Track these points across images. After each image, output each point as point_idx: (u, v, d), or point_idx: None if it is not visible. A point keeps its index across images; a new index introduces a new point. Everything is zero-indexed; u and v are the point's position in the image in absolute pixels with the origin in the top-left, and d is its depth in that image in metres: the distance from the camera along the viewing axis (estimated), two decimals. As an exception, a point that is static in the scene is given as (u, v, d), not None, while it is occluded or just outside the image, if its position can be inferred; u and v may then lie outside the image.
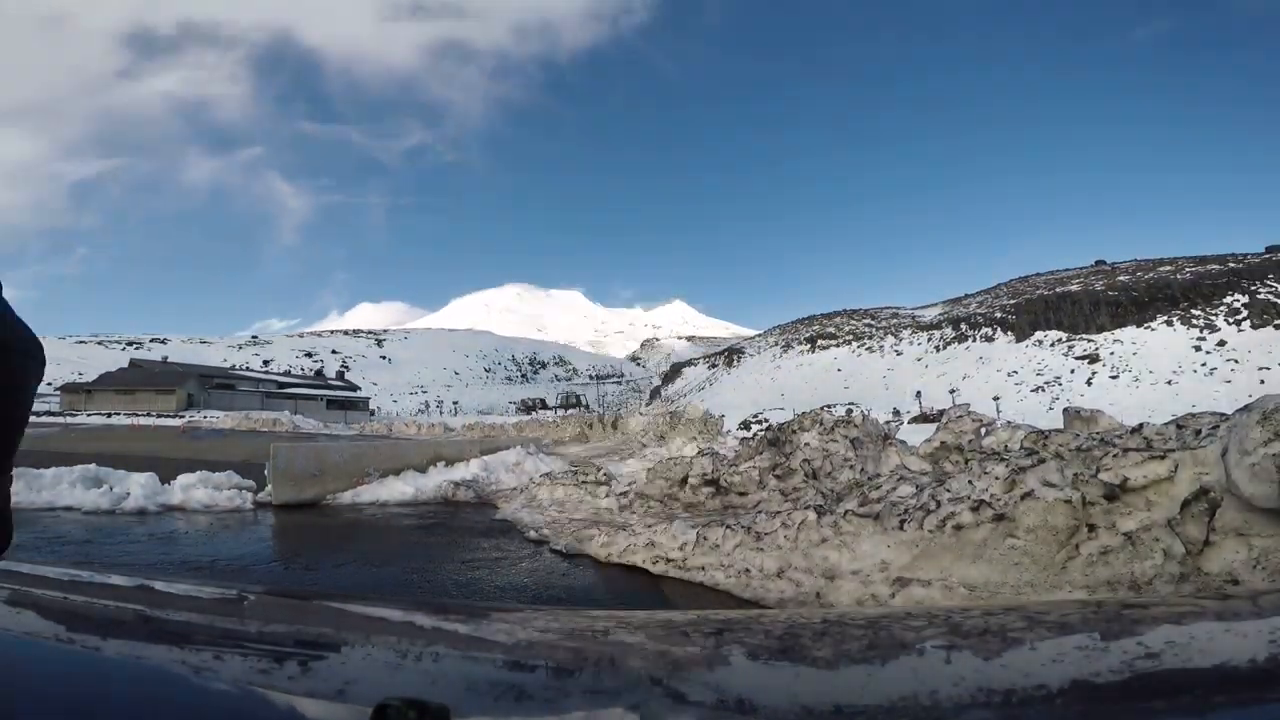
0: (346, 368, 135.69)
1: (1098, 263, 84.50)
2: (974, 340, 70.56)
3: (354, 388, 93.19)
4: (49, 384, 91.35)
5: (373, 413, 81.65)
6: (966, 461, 4.83)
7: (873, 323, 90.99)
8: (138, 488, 7.90)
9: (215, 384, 68.62)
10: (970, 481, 3.80)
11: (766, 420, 29.72)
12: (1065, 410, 8.88)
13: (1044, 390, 52.73)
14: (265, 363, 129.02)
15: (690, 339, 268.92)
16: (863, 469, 6.99)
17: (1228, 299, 55.72)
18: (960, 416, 8.11)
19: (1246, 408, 2.90)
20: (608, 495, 7.52)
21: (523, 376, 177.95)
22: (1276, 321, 49.85)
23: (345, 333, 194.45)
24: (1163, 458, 3.13)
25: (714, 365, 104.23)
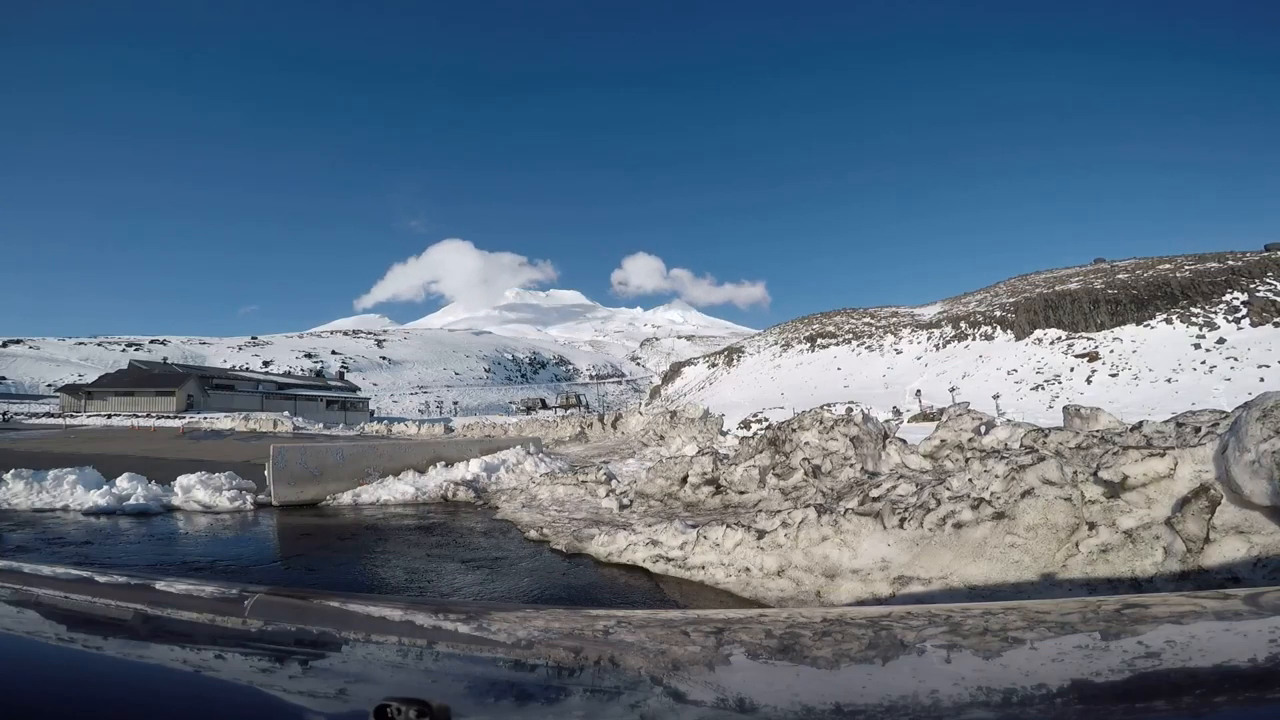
0: (346, 368, 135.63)
1: (1097, 260, 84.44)
2: (973, 339, 70.48)
3: (354, 388, 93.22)
4: (50, 385, 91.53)
5: (373, 413, 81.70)
6: (966, 460, 4.83)
7: (872, 321, 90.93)
8: (138, 489, 7.90)
9: (215, 385, 68.65)
10: (970, 479, 3.81)
11: (766, 419, 29.70)
12: (1065, 408, 8.89)
13: (1044, 388, 52.69)
14: (265, 363, 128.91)
15: (690, 339, 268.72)
16: (863, 467, 6.99)
17: (1227, 297, 55.66)
18: (960, 415, 8.10)
19: (1246, 405, 2.89)
20: (608, 495, 7.52)
21: (523, 376, 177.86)
22: (1276, 319, 49.81)
23: (345, 333, 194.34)
24: (1162, 455, 3.12)
25: (714, 365, 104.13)
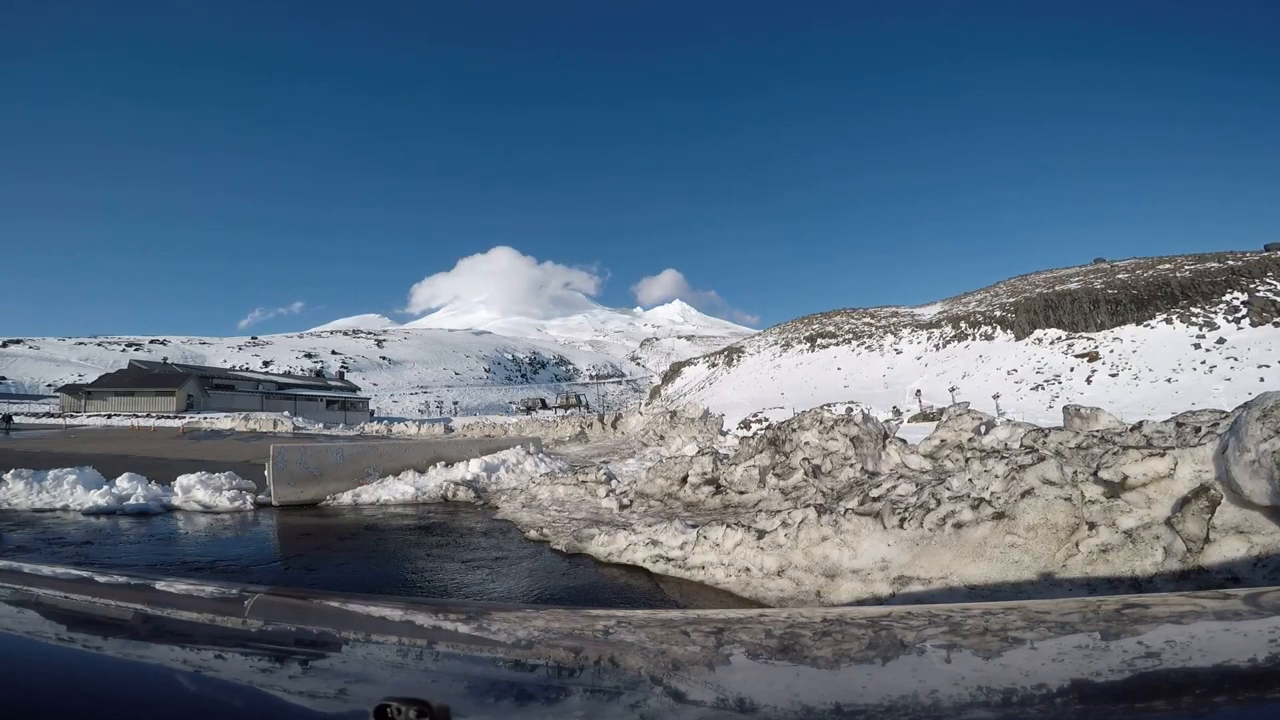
0: (346, 368, 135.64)
1: (1097, 260, 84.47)
2: (973, 338, 70.48)
3: (354, 388, 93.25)
4: (50, 385, 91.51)
5: (373, 413, 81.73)
6: (966, 459, 4.83)
7: (872, 321, 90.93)
8: (138, 489, 7.90)
9: (215, 385, 68.69)
10: (970, 479, 3.81)
11: (766, 419, 29.70)
12: (1065, 408, 8.88)
13: (1044, 388, 52.67)
14: (265, 363, 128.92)
15: (690, 339, 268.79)
16: (863, 467, 6.99)
17: (1227, 297, 55.65)
18: (960, 415, 8.11)
19: (1246, 405, 2.89)
20: (608, 495, 7.52)
21: (523, 376, 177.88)
22: (1276, 319, 49.80)
23: (345, 333, 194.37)
24: (1162, 455, 3.12)
25: (714, 364, 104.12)
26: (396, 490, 8.68)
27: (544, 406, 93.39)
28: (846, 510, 4.02)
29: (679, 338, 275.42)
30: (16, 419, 42.66)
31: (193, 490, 8.00)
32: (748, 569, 4.09)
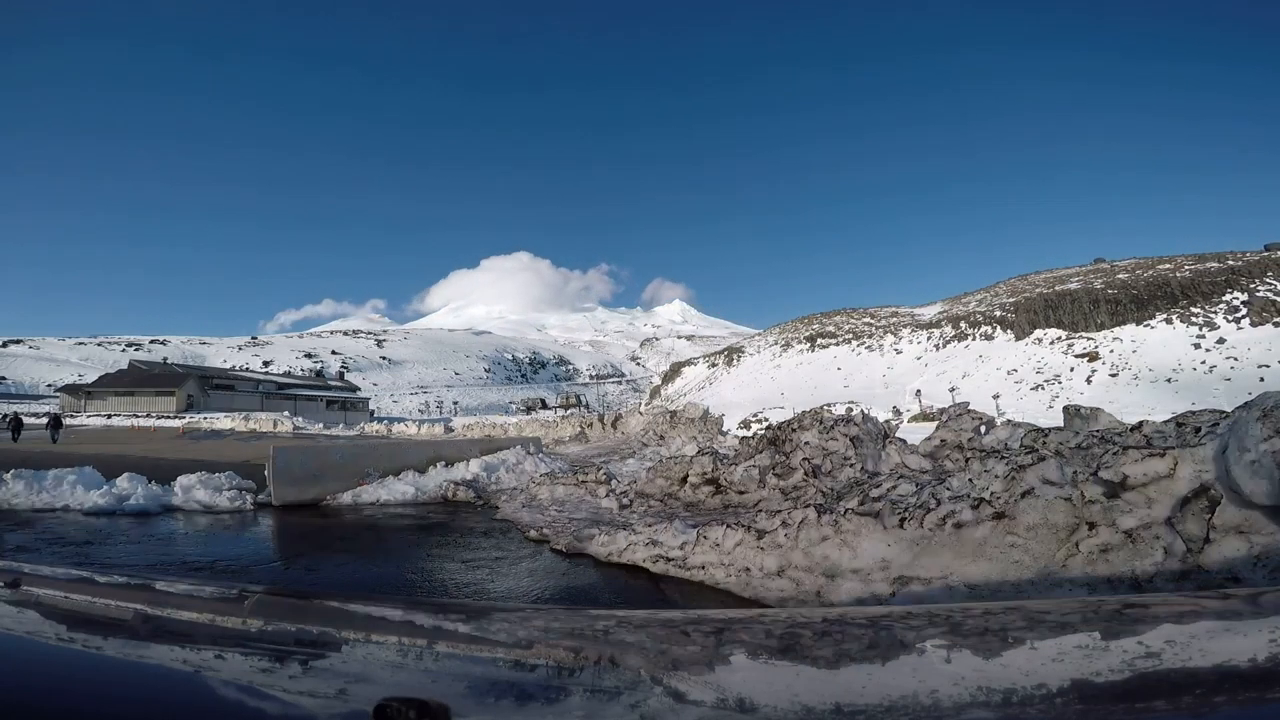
0: (346, 368, 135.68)
1: (1097, 260, 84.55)
2: (973, 339, 70.52)
3: (354, 388, 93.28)
4: (50, 385, 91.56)
5: (373, 413, 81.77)
6: (966, 460, 4.83)
7: (872, 321, 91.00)
8: (138, 489, 7.90)
9: (215, 385, 68.73)
10: (970, 479, 3.81)
11: (766, 419, 29.71)
12: (1065, 408, 8.86)
13: (1043, 388, 52.68)
14: (265, 363, 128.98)
15: (690, 339, 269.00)
16: (863, 467, 6.98)
17: (1227, 297, 55.70)
18: (960, 415, 8.10)
19: (1246, 405, 2.89)
20: (608, 495, 7.52)
21: (523, 376, 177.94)
22: (1276, 319, 49.82)
23: (345, 333, 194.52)
24: (1162, 455, 3.12)
25: (714, 365, 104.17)
26: (396, 490, 8.68)
27: (544, 406, 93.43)
28: (846, 510, 4.02)
29: (679, 338, 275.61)
30: (19, 419, 42.50)
31: (193, 490, 8.00)
32: (748, 569, 4.09)
